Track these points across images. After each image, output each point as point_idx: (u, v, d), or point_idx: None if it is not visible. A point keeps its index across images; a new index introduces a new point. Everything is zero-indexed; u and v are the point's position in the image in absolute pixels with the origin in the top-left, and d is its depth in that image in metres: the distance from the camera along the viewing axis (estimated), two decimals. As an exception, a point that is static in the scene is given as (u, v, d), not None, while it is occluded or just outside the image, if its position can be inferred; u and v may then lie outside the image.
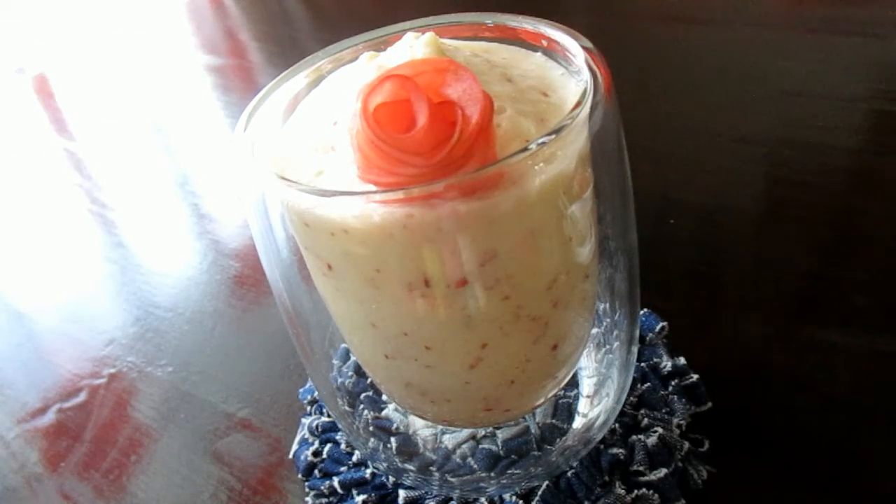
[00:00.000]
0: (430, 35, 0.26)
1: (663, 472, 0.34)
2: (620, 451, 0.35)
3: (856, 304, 0.42)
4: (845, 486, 0.34)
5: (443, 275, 0.25)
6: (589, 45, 0.27)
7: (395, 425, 0.39)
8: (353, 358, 0.42)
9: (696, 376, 0.38)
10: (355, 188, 0.23)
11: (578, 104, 0.24)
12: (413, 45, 0.25)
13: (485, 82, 0.23)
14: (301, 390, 0.45)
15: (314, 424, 0.41)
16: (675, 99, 0.65)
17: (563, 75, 0.28)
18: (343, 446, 0.40)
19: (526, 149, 0.22)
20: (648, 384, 0.38)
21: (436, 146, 0.21)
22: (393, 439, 0.37)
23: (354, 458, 0.39)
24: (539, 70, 0.28)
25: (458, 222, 0.23)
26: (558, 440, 0.36)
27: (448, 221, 0.23)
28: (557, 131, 0.23)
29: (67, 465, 0.45)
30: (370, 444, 0.37)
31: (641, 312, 0.42)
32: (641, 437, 0.36)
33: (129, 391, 0.49)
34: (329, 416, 0.41)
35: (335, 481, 0.38)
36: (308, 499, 0.39)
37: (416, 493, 0.36)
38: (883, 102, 0.58)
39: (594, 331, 0.36)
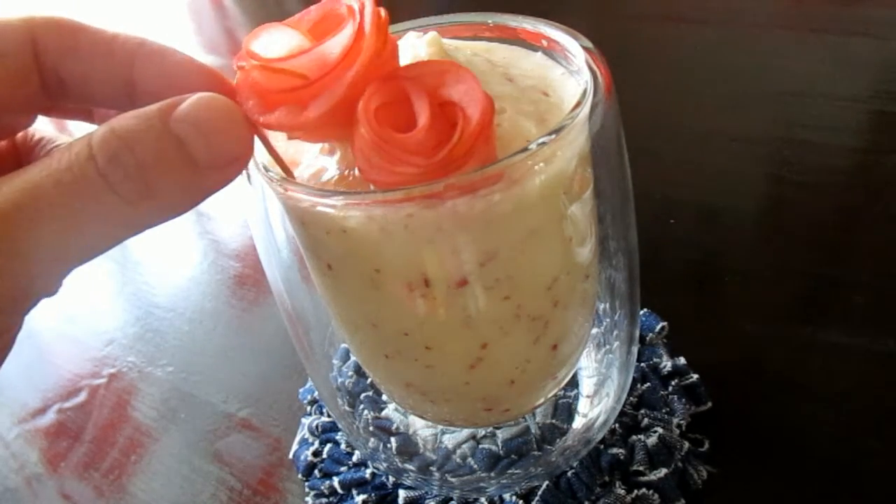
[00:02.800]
0: (432, 35, 0.26)
1: (663, 472, 0.34)
2: (620, 451, 0.35)
3: (856, 304, 0.42)
4: (845, 486, 0.34)
5: (443, 275, 0.24)
6: (589, 45, 0.27)
7: (395, 425, 0.39)
8: (353, 358, 0.42)
9: (696, 376, 0.38)
10: (355, 188, 0.23)
11: (578, 104, 0.24)
12: (416, 45, 0.25)
13: (485, 82, 0.23)
14: (301, 390, 0.45)
15: (314, 424, 0.41)
16: (675, 99, 0.65)
17: (564, 75, 0.27)
18: (343, 446, 0.40)
19: (526, 149, 0.22)
20: (648, 384, 0.38)
21: (436, 146, 0.21)
22: (393, 439, 0.37)
23: (354, 458, 0.39)
24: (539, 70, 0.28)
25: (459, 222, 0.23)
26: (558, 440, 0.36)
27: (448, 221, 0.23)
28: (557, 131, 0.23)
29: (67, 465, 0.45)
30: (370, 444, 0.37)
31: (641, 312, 0.42)
32: (641, 437, 0.36)
33: (129, 391, 0.49)
34: (329, 416, 0.41)
35: (335, 481, 0.38)
36: (308, 499, 0.39)
37: (416, 493, 0.36)
38: (883, 102, 0.58)
39: (594, 331, 0.36)
